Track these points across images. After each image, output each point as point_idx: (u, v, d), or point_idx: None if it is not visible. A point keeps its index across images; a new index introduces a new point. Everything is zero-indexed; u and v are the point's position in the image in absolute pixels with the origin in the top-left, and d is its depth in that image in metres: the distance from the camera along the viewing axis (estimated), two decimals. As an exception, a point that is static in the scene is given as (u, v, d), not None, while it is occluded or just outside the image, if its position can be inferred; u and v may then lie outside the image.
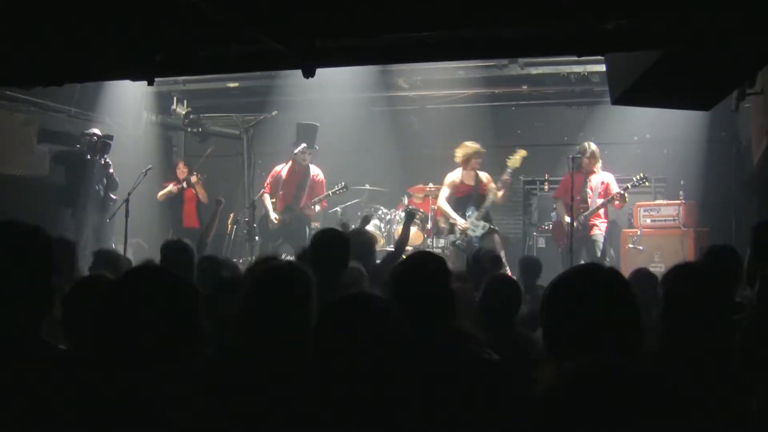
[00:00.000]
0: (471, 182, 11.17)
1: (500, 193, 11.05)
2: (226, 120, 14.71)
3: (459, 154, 11.17)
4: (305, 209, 11.53)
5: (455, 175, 11.28)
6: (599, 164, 10.76)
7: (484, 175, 11.22)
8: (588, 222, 10.56)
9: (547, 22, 4.38)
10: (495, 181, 11.10)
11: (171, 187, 12.94)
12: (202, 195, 12.85)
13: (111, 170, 11.75)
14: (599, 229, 10.67)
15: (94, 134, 11.64)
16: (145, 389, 2.33)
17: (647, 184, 10.49)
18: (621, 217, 11.64)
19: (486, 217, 11.10)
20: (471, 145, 11.20)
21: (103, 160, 11.61)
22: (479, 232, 10.96)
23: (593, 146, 10.77)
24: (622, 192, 10.41)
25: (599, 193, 10.62)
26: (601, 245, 10.61)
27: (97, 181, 11.64)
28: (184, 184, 12.89)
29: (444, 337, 3.55)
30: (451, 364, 3.44)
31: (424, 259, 3.87)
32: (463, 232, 11.00)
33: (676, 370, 2.89)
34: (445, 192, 11.37)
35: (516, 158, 10.96)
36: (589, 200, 10.61)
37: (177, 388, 2.41)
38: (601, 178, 10.73)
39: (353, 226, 8.79)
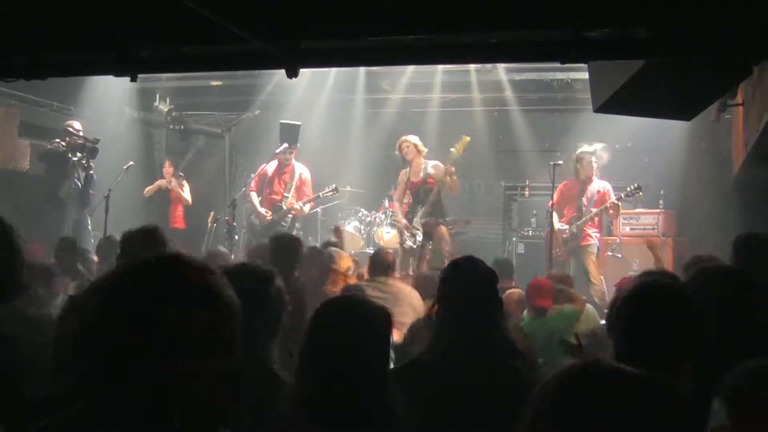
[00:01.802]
0: (417, 178, 11.08)
1: (449, 180, 10.82)
2: (208, 118, 14.70)
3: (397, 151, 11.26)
4: (293, 209, 11.52)
5: (404, 173, 11.31)
6: (594, 172, 10.63)
7: (431, 166, 11.03)
8: (581, 232, 10.51)
9: (532, 29, 4.40)
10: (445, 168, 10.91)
11: (159, 182, 13.04)
12: (185, 199, 12.96)
13: (91, 171, 11.66)
14: (592, 238, 10.56)
15: (82, 136, 11.49)
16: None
17: (641, 194, 10.41)
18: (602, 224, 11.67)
19: (433, 214, 10.94)
20: (401, 138, 11.26)
21: (87, 162, 11.53)
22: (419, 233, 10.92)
23: (584, 151, 10.69)
24: (617, 202, 10.30)
25: (595, 202, 10.52)
26: (594, 255, 10.54)
27: (77, 177, 11.55)
28: (171, 184, 12.97)
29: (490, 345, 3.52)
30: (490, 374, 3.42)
31: (472, 263, 3.83)
32: (409, 232, 10.98)
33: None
34: (398, 190, 11.44)
35: (459, 147, 10.79)
36: (584, 209, 10.54)
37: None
38: (597, 187, 10.60)
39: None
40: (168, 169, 13.25)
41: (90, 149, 11.38)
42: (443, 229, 10.96)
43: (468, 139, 10.89)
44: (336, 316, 2.98)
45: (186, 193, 13.05)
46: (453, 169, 10.78)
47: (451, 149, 10.81)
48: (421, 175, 11.06)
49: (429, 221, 10.86)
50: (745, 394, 1.41)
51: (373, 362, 2.91)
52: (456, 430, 3.22)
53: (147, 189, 13.18)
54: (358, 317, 2.97)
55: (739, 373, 1.44)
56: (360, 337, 2.90)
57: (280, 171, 11.75)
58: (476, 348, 3.43)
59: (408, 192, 11.22)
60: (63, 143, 11.45)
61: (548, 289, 6.60)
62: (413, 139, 11.11)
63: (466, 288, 3.59)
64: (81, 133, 11.44)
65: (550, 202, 10.27)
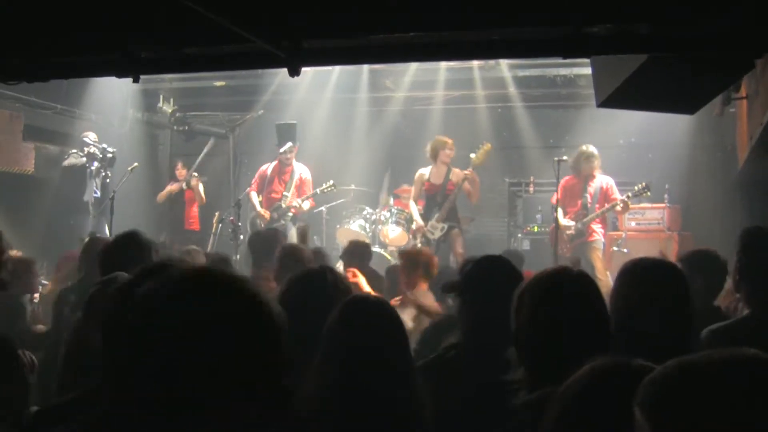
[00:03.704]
0: (439, 180, 11.06)
1: (467, 187, 10.84)
2: (212, 119, 14.70)
3: (428, 148, 11.13)
4: (292, 207, 11.50)
5: (425, 172, 11.21)
6: (597, 168, 10.60)
7: (455, 172, 11.01)
8: (587, 228, 10.51)
9: (534, 25, 4.39)
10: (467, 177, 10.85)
11: (170, 187, 13.02)
12: (200, 198, 12.95)
13: (108, 180, 11.65)
14: (597, 234, 10.55)
15: (102, 147, 11.50)
16: None
17: (648, 194, 10.39)
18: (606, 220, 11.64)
19: (448, 218, 10.96)
20: (439, 138, 11.15)
21: (105, 171, 11.56)
22: (437, 234, 10.91)
23: (586, 149, 10.65)
24: (626, 200, 10.23)
25: (599, 198, 10.52)
26: (600, 251, 10.53)
27: (95, 186, 11.58)
28: (184, 185, 12.95)
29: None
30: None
31: (496, 260, 3.79)
32: (422, 234, 10.99)
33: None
34: (413, 190, 11.41)
35: (480, 154, 10.82)
36: (589, 205, 10.53)
37: None
38: (600, 183, 10.58)
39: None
40: (181, 170, 13.24)
41: (108, 159, 11.43)
42: (456, 231, 11.00)
43: (490, 146, 10.89)
44: (360, 317, 2.98)
45: (202, 192, 13.06)
46: (472, 173, 10.81)
47: (471, 155, 10.82)
48: (443, 180, 11.04)
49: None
50: (668, 409, 1.34)
51: (400, 357, 2.94)
52: (484, 425, 3.22)
53: (159, 195, 13.17)
54: (381, 315, 3.00)
55: (655, 381, 1.37)
56: (386, 334, 2.93)
57: (280, 171, 11.75)
58: (505, 342, 3.44)
59: (425, 192, 11.25)
60: (81, 153, 11.51)
61: None
62: (448, 141, 11.03)
63: (491, 285, 3.56)
64: (92, 142, 11.48)
65: (554, 198, 10.26)
